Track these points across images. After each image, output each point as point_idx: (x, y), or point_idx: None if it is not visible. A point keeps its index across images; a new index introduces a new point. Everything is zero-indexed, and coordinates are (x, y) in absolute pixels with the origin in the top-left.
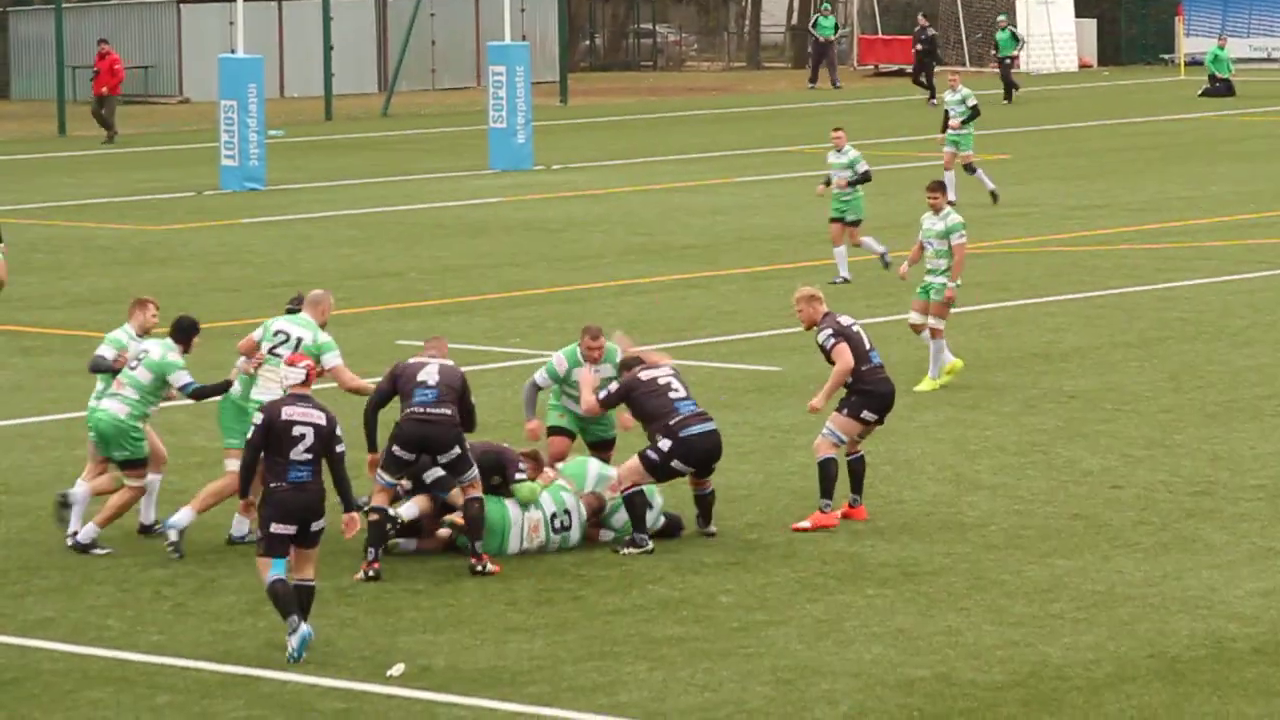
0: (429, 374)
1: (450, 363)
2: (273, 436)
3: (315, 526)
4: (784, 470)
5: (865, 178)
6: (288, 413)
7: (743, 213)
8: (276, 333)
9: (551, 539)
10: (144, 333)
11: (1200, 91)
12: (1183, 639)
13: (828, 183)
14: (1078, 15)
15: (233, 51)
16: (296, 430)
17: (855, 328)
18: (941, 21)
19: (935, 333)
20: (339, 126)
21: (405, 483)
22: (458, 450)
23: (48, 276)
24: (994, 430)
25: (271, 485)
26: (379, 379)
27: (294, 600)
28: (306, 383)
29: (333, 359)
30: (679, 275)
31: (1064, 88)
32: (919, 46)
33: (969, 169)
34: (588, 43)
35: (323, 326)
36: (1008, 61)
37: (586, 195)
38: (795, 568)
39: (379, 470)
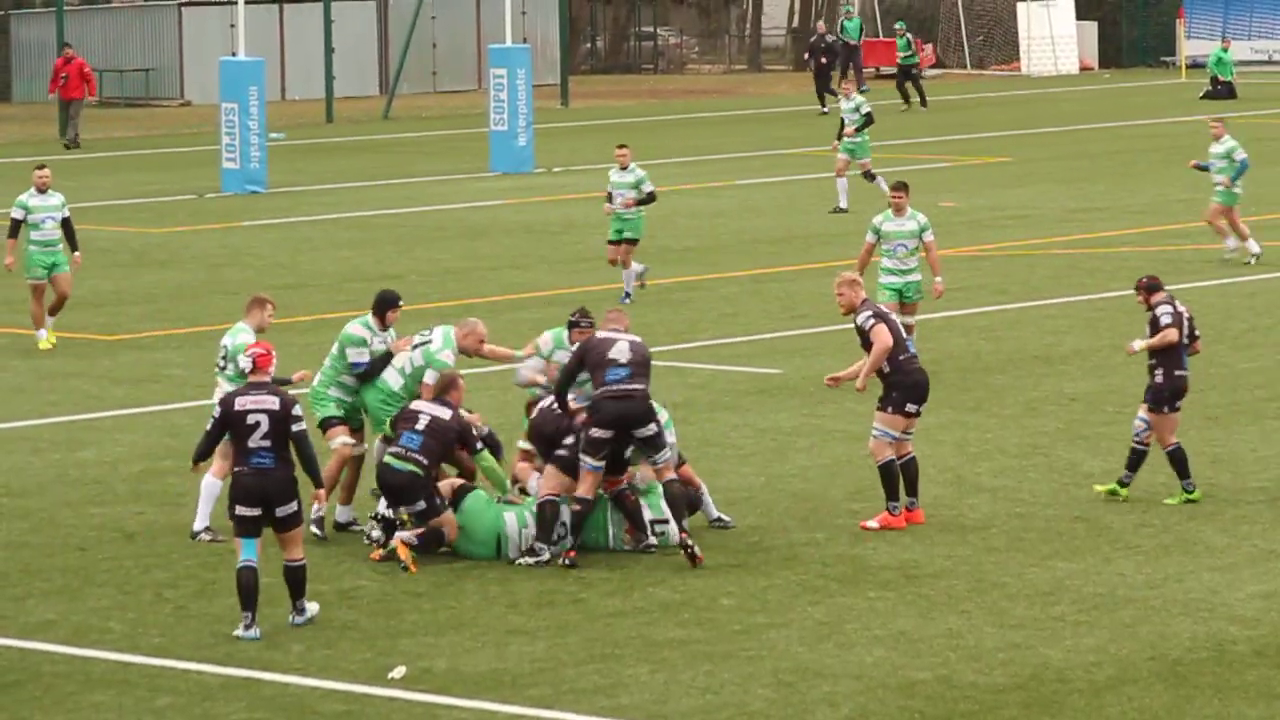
0: (620, 351)
1: (638, 338)
2: (230, 426)
3: (282, 511)
4: (785, 473)
5: (650, 198)
6: (241, 402)
7: (744, 215)
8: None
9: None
10: (260, 330)
11: (1201, 94)
12: (1184, 641)
13: (610, 199)
14: (1079, 18)
15: (234, 54)
16: (251, 419)
17: (892, 317)
18: (943, 23)
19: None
20: (340, 129)
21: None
22: (653, 428)
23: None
24: (995, 433)
25: (235, 469)
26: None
27: (253, 594)
28: (258, 370)
29: (430, 375)
30: (680, 277)
31: (1065, 90)
32: (820, 58)
33: (868, 176)
34: (589, 45)
35: (463, 352)
36: (913, 70)
37: (587, 198)
38: (796, 570)
39: (584, 455)
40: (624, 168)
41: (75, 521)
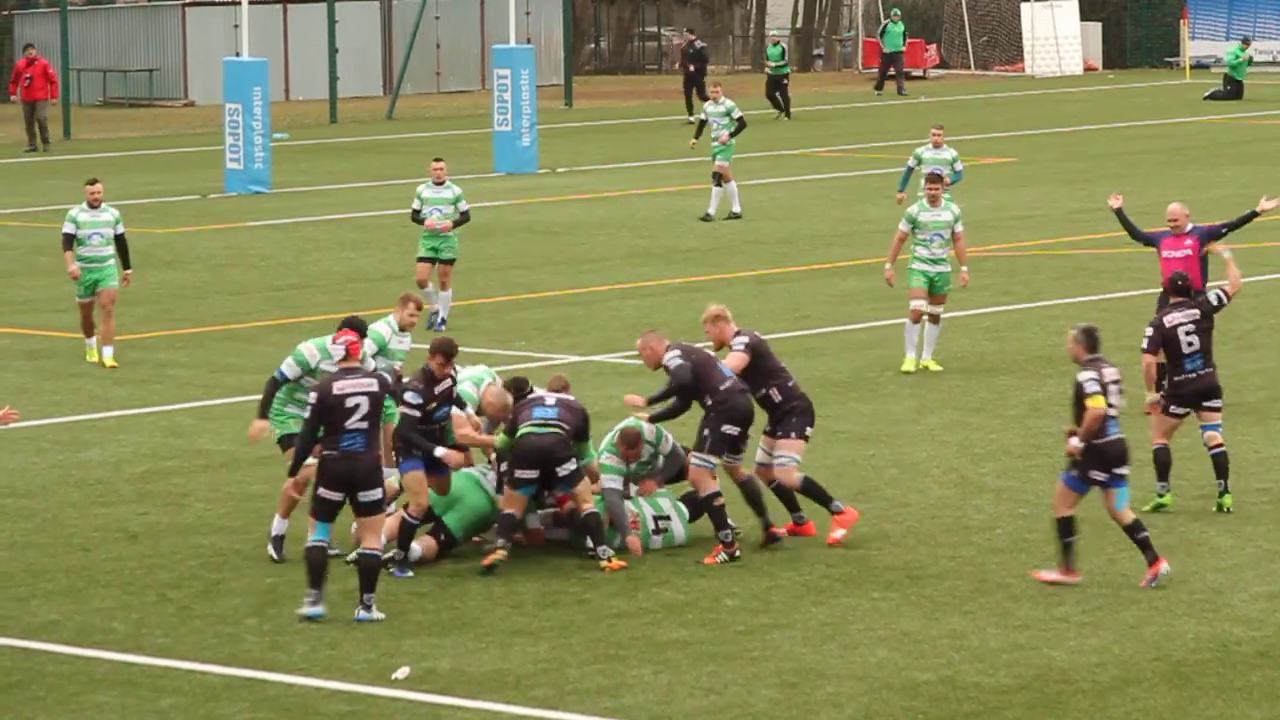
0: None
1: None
2: (327, 411)
3: (365, 496)
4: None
5: (465, 218)
6: (340, 386)
7: (747, 216)
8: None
9: (652, 540)
10: (404, 328)
11: (1206, 94)
12: (1188, 642)
13: (417, 218)
14: (1083, 18)
15: (237, 55)
16: (351, 401)
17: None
18: (947, 24)
19: (936, 319)
20: (343, 129)
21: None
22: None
23: (52, 280)
24: (999, 434)
25: (324, 452)
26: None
27: (322, 573)
28: (350, 357)
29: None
30: (683, 278)
31: (1069, 91)
32: (690, 65)
33: (717, 179)
34: (593, 46)
35: (478, 412)
36: (783, 81)
37: (591, 198)
38: (800, 571)
39: (707, 455)
40: (439, 182)
41: (79, 522)
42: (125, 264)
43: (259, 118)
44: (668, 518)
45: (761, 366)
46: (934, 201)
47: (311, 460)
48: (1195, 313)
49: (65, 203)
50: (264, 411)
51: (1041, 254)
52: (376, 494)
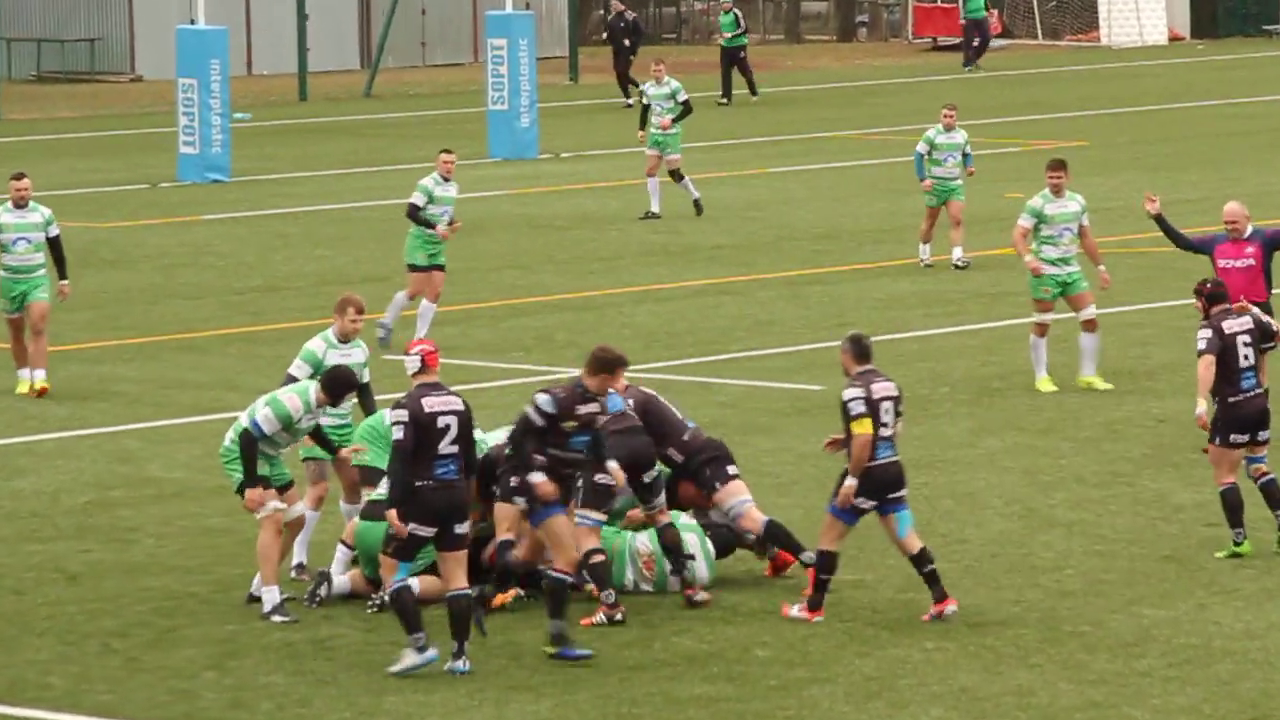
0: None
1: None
2: (419, 433)
3: (460, 529)
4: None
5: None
6: (429, 404)
7: (781, 208)
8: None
9: (669, 581)
10: (346, 338)
11: None
12: None
13: (418, 218)
14: None
15: (192, 22)
16: (441, 422)
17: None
18: None
19: (1092, 324)
20: (315, 109)
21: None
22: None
23: None
24: (1070, 459)
25: (416, 484)
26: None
27: (416, 615)
28: (427, 369)
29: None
30: (708, 280)
31: (1151, 64)
32: (623, 39)
33: (676, 176)
34: (601, 12)
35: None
36: (740, 54)
37: (600, 187)
38: (842, 617)
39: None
40: (447, 177)
41: (9, 560)
42: (61, 273)
43: (217, 95)
44: (691, 556)
45: (651, 431)
46: (1058, 191)
47: (278, 504)
48: (1248, 321)
49: None
50: (254, 477)
51: (1118, 252)
52: (467, 526)
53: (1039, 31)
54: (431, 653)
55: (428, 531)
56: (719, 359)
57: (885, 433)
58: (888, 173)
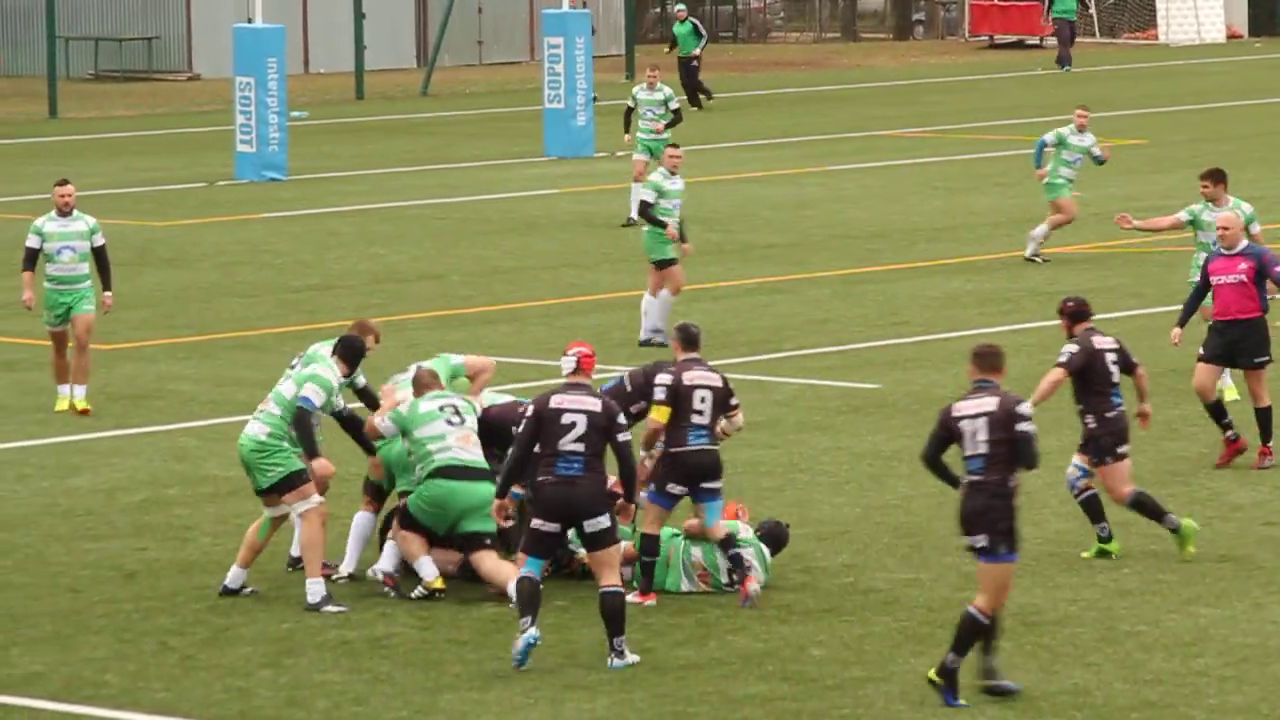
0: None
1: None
2: (541, 427)
3: (591, 526)
4: (884, 503)
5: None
6: (557, 400)
7: (835, 206)
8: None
9: (723, 586)
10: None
11: None
12: None
13: (649, 215)
14: None
15: (249, 21)
16: (566, 418)
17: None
18: None
19: None
20: (372, 107)
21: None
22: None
23: (36, 280)
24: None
25: (538, 479)
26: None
27: (534, 601)
28: (581, 371)
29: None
30: (761, 278)
31: (1209, 62)
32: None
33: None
34: (658, 10)
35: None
36: (693, 63)
37: None
38: (897, 616)
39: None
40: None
41: (66, 559)
42: (105, 284)
43: (274, 93)
44: (750, 567)
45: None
46: (1217, 200)
47: (320, 498)
48: (1114, 341)
49: (48, 192)
50: (316, 447)
51: (1178, 250)
52: (604, 521)
53: (1096, 29)
54: (532, 633)
55: (551, 527)
56: (773, 357)
57: (699, 420)
58: (942, 171)
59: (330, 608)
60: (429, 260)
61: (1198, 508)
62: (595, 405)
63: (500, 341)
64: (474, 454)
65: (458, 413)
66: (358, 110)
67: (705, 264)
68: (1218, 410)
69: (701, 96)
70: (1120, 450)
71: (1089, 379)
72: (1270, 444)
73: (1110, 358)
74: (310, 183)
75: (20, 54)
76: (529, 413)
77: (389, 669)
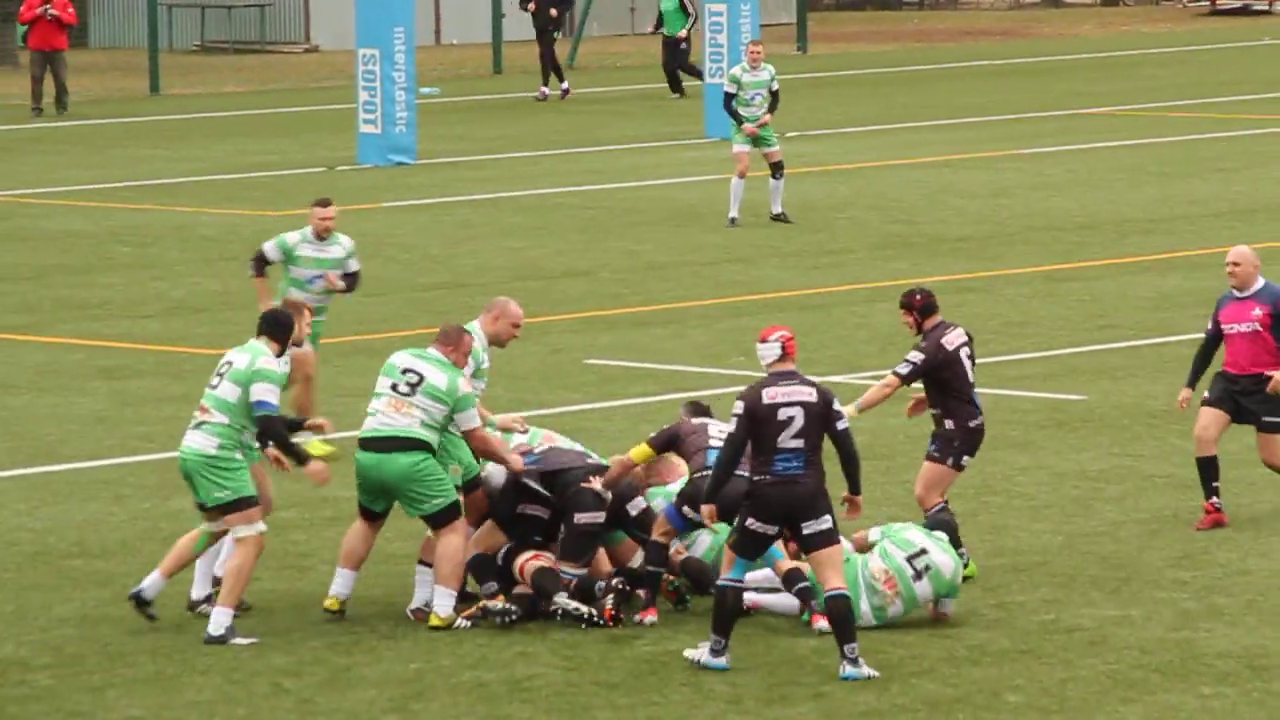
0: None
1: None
2: (755, 425)
3: (810, 528)
4: (1090, 530)
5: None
6: (770, 394)
7: (1034, 194)
8: (405, 371)
9: (916, 587)
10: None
11: None
12: None
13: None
14: None
15: None
16: (783, 414)
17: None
18: None
19: None
20: (510, 83)
21: None
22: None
23: (136, 276)
24: None
25: (754, 478)
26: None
27: (731, 620)
28: (787, 357)
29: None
30: (950, 275)
31: None
32: (551, 9)
33: (776, 170)
34: None
35: (494, 343)
36: (681, 45)
37: (830, 171)
38: (1105, 658)
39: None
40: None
41: (167, 590)
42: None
43: (401, 67)
44: (924, 551)
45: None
46: None
47: (263, 526)
48: (964, 334)
49: (153, 176)
50: (301, 453)
51: None
52: (825, 523)
53: None
54: (721, 660)
55: (770, 530)
56: None
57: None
58: (1157, 154)
59: (238, 639)
60: (574, 255)
61: None
62: (810, 395)
63: (654, 346)
64: (400, 421)
65: (412, 386)
66: (494, 87)
67: (888, 259)
68: (1210, 469)
69: (685, 83)
70: (964, 462)
71: (945, 381)
72: None
73: (965, 352)
74: (441, 167)
75: (118, 23)
76: (740, 411)
77: (531, 714)
